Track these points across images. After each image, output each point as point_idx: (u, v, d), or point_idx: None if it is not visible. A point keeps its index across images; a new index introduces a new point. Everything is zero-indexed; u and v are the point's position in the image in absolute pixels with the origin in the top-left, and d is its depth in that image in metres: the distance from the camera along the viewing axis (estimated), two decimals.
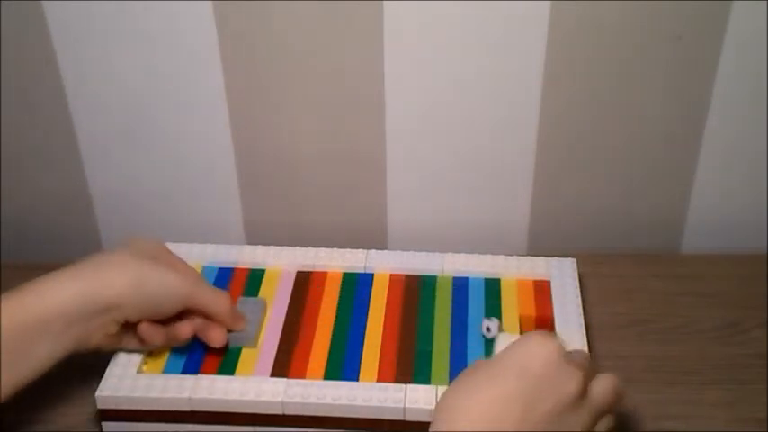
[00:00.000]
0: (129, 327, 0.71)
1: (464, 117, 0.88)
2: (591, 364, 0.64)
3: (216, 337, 0.73)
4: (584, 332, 0.74)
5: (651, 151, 0.90)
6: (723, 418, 0.75)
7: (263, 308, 0.77)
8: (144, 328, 0.70)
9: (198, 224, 0.92)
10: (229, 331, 0.74)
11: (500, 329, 0.74)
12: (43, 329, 0.65)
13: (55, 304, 0.65)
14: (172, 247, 0.83)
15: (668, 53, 0.84)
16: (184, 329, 0.72)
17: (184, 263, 0.76)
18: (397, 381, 0.71)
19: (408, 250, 0.84)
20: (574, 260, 0.82)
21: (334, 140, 0.90)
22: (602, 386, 0.63)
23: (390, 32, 0.83)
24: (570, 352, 0.63)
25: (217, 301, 0.73)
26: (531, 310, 0.77)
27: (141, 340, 0.71)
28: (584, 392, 0.61)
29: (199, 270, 0.81)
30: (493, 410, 0.59)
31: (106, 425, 0.71)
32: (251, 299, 0.78)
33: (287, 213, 0.95)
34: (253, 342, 0.74)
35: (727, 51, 0.84)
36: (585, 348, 0.72)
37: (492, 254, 0.83)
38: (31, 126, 0.90)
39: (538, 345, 0.62)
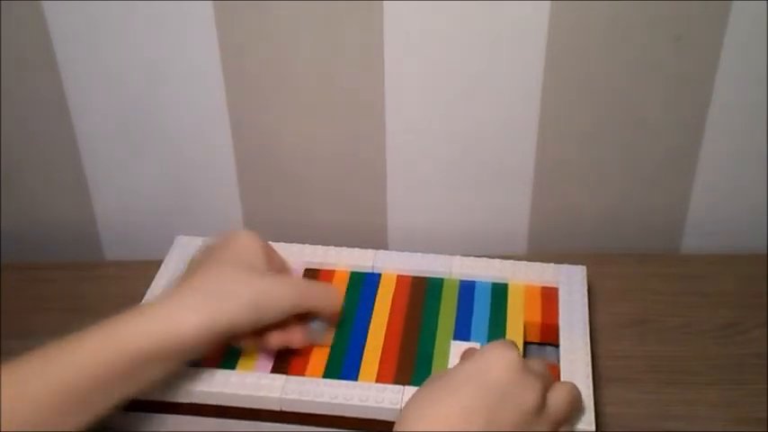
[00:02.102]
0: None
1: (464, 117, 0.88)
2: (548, 373, 0.65)
3: (297, 340, 0.72)
4: (587, 341, 0.74)
5: (651, 151, 0.90)
6: (723, 418, 0.75)
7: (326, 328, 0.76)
8: (246, 343, 0.71)
9: (198, 224, 0.92)
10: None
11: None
12: (165, 357, 0.64)
13: (184, 336, 0.64)
14: (182, 240, 0.83)
15: (668, 53, 0.84)
16: (275, 340, 0.71)
17: (281, 258, 0.77)
18: (396, 382, 0.70)
19: (409, 250, 0.84)
20: (584, 267, 0.81)
21: (334, 140, 0.90)
22: (560, 396, 0.64)
23: (390, 32, 0.83)
24: (528, 361, 0.63)
25: (326, 298, 0.73)
26: (536, 317, 0.77)
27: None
28: (543, 403, 0.61)
29: None
30: (456, 424, 0.58)
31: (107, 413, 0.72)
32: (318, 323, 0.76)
33: (287, 213, 0.95)
34: (330, 339, 0.74)
35: (727, 51, 0.84)
36: (588, 358, 0.72)
37: (492, 254, 0.83)
38: (31, 126, 0.90)
39: (498, 356, 0.62)
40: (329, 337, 0.75)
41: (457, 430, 0.58)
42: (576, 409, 0.65)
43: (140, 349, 0.63)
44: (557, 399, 0.63)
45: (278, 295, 0.70)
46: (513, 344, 0.64)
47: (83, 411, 0.62)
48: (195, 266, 0.71)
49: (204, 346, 0.66)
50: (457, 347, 0.73)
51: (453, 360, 0.73)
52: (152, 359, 0.64)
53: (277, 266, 0.75)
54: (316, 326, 0.74)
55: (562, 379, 0.70)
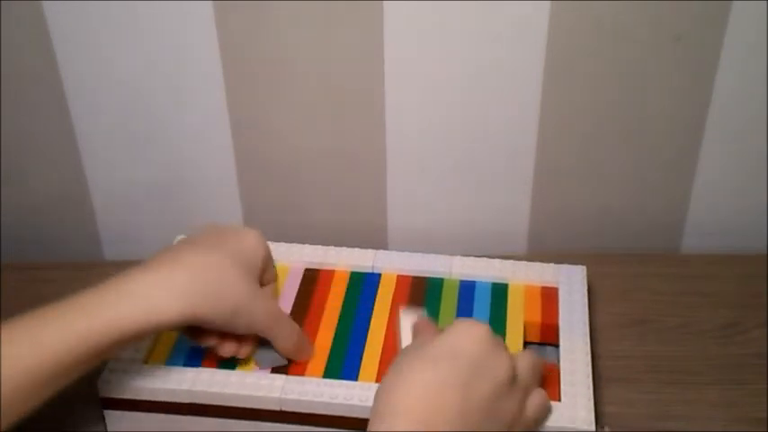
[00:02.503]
0: None
1: (464, 117, 0.88)
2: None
3: (228, 351, 0.71)
4: (587, 341, 0.74)
5: (651, 151, 0.90)
6: (723, 418, 0.75)
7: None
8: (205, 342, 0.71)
9: (198, 224, 0.91)
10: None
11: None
12: (138, 338, 0.64)
13: (158, 321, 0.64)
14: (182, 239, 0.83)
15: (668, 53, 0.84)
16: (245, 351, 0.71)
17: (274, 271, 0.76)
18: None
19: (409, 250, 0.84)
20: (584, 267, 0.81)
21: (334, 140, 0.90)
22: (525, 361, 0.65)
23: (390, 32, 0.83)
24: (496, 334, 0.64)
25: (286, 338, 0.71)
26: (536, 317, 0.77)
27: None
28: (514, 372, 0.62)
29: None
30: (430, 398, 0.59)
31: (108, 413, 0.72)
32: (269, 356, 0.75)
33: (287, 213, 0.95)
34: (283, 361, 0.73)
35: (727, 51, 0.84)
36: (588, 358, 0.72)
37: (492, 254, 0.83)
38: (31, 126, 0.90)
39: (467, 329, 0.63)
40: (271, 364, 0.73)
41: (432, 404, 0.58)
42: (539, 370, 0.67)
43: (122, 331, 0.62)
44: (523, 365, 0.64)
45: (256, 311, 0.69)
46: (479, 320, 0.65)
47: (49, 388, 0.61)
48: (193, 245, 0.69)
49: (171, 328, 0.67)
50: (405, 317, 0.73)
51: (404, 330, 0.72)
52: (129, 339, 0.63)
53: (269, 276, 0.75)
54: (264, 354, 0.73)
55: (561, 379, 0.70)
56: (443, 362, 0.61)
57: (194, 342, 0.71)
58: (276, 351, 0.72)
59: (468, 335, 0.62)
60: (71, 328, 0.61)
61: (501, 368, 0.61)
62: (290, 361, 0.73)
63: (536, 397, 0.65)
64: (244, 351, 0.71)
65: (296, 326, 0.73)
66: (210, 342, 0.70)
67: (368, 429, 0.59)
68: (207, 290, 0.66)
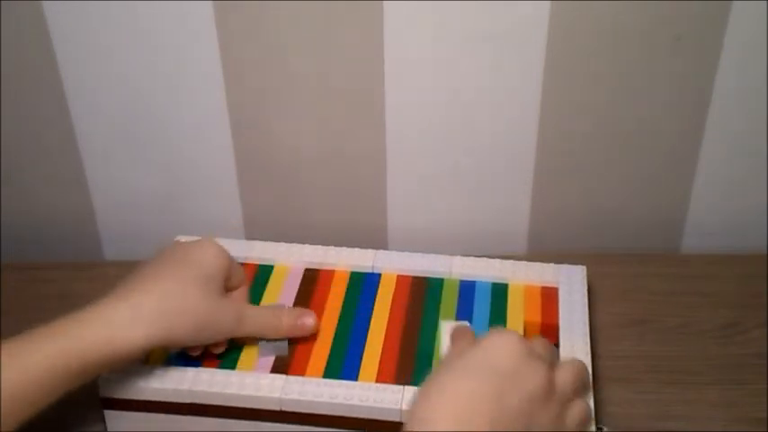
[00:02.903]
0: None
1: (464, 117, 0.88)
2: (553, 352, 0.65)
3: (216, 348, 0.74)
4: (587, 341, 0.74)
5: (651, 151, 0.90)
6: (723, 418, 0.75)
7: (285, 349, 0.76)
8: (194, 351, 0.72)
9: (198, 224, 0.92)
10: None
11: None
12: (104, 366, 0.65)
13: (124, 346, 0.65)
14: (184, 239, 0.83)
15: (668, 53, 0.84)
16: (219, 349, 0.73)
17: (243, 274, 0.77)
18: (396, 382, 0.70)
19: (409, 250, 0.84)
20: (584, 267, 0.81)
21: (334, 140, 0.90)
22: (566, 374, 0.64)
23: (390, 32, 0.83)
24: (533, 344, 0.64)
25: (272, 332, 0.73)
26: (536, 317, 0.77)
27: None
28: (551, 385, 0.62)
29: None
30: (465, 409, 0.59)
31: (108, 413, 0.72)
32: (272, 305, 0.77)
33: (287, 213, 0.95)
34: (285, 349, 0.73)
35: (728, 51, 0.84)
36: (588, 358, 0.72)
37: (492, 254, 0.83)
38: (31, 126, 0.90)
39: (502, 342, 0.62)
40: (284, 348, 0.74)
41: (465, 414, 0.58)
42: (582, 382, 0.66)
43: (85, 359, 0.64)
44: (563, 378, 0.63)
45: (225, 325, 0.71)
46: (515, 331, 0.65)
47: (19, 414, 0.62)
48: (157, 267, 0.71)
49: (141, 355, 0.68)
50: (447, 327, 0.73)
51: (444, 338, 0.73)
52: (95, 367, 0.65)
53: (236, 281, 0.76)
54: (269, 343, 0.74)
55: None
56: (478, 373, 0.61)
57: (187, 352, 0.73)
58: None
59: (504, 347, 0.62)
60: (41, 354, 0.62)
61: (535, 381, 0.61)
62: (290, 344, 0.73)
63: (576, 409, 0.64)
64: (218, 349, 0.73)
65: (278, 312, 0.74)
66: (197, 351, 0.72)
67: (402, 430, 0.59)
68: (169, 313, 0.68)
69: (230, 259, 0.74)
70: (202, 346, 0.72)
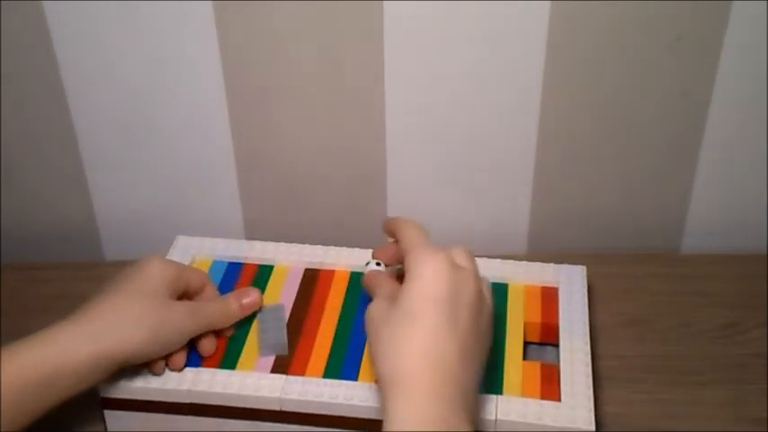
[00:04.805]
0: None
1: (464, 117, 0.88)
2: (465, 254, 0.67)
3: (207, 348, 0.73)
4: (587, 341, 0.74)
5: (651, 151, 0.90)
6: (723, 418, 0.75)
7: (283, 313, 0.77)
8: (154, 368, 0.71)
9: (198, 224, 0.92)
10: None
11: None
12: (59, 383, 0.65)
13: (72, 362, 0.65)
14: (183, 240, 0.83)
15: (668, 53, 0.84)
16: (179, 360, 0.72)
17: (192, 274, 0.76)
18: None
19: None
20: (584, 267, 0.81)
21: (334, 140, 0.90)
22: (467, 256, 0.67)
23: (390, 32, 0.83)
24: (453, 255, 0.66)
25: (225, 314, 0.74)
26: (536, 317, 0.77)
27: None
28: (481, 286, 0.66)
29: (208, 264, 0.82)
30: (427, 348, 0.60)
31: (108, 413, 0.72)
32: (270, 306, 0.77)
33: (287, 213, 0.95)
34: (285, 348, 0.74)
35: (728, 51, 0.84)
36: (588, 358, 0.72)
37: (492, 254, 0.83)
38: (31, 126, 0.90)
39: (430, 271, 0.64)
40: (287, 345, 0.74)
41: (432, 351, 0.60)
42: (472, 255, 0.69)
43: (33, 378, 0.64)
44: (471, 263, 0.67)
45: (177, 324, 0.70)
46: (430, 249, 0.66)
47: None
48: (104, 289, 0.71)
49: (97, 373, 0.67)
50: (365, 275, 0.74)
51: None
52: (46, 386, 0.64)
53: (196, 285, 0.75)
54: (269, 338, 0.74)
55: (561, 379, 0.70)
56: (424, 312, 0.62)
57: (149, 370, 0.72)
58: (274, 333, 0.74)
59: (434, 276, 0.63)
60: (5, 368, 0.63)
61: (469, 289, 0.64)
62: (290, 344, 0.74)
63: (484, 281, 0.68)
64: (205, 349, 0.73)
65: (226, 300, 0.75)
66: (158, 368, 0.71)
67: (383, 402, 0.59)
68: (115, 327, 0.67)
69: (178, 268, 0.74)
70: (161, 358, 0.71)
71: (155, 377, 0.71)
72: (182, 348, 0.72)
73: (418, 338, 0.61)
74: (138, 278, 0.71)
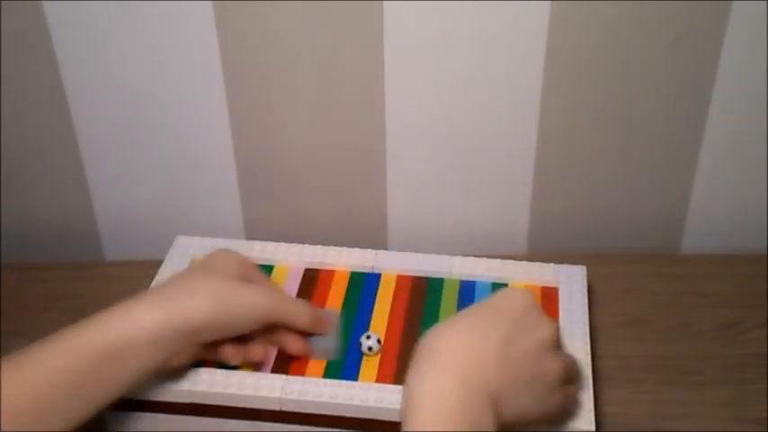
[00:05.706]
0: (207, 344, 0.70)
1: (464, 117, 0.88)
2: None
3: (296, 348, 0.73)
4: (587, 341, 0.74)
5: (651, 151, 0.90)
6: (723, 418, 0.75)
7: (337, 320, 0.76)
8: (225, 351, 0.70)
9: (198, 224, 0.92)
10: (310, 335, 0.74)
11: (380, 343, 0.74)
12: (129, 355, 0.65)
13: (141, 331, 0.65)
14: (183, 240, 0.83)
15: (668, 53, 0.84)
16: (257, 351, 0.71)
17: (265, 276, 0.77)
18: (396, 382, 0.70)
19: (409, 250, 0.84)
20: (584, 267, 0.81)
21: (335, 140, 0.90)
22: (570, 356, 0.67)
23: (390, 32, 0.83)
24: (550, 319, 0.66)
25: (298, 314, 0.73)
26: None
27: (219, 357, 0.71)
28: (557, 343, 0.64)
29: None
30: (474, 338, 0.61)
31: (108, 413, 0.72)
32: (327, 311, 0.77)
33: (287, 213, 0.95)
34: (334, 354, 0.73)
35: (727, 51, 0.84)
36: (588, 358, 0.72)
37: (492, 254, 0.83)
38: (31, 126, 0.90)
39: (514, 294, 0.65)
40: (337, 351, 0.74)
41: (472, 351, 0.60)
42: (579, 375, 0.68)
43: (100, 349, 0.63)
44: (568, 355, 0.66)
45: (249, 304, 0.70)
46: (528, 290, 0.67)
47: (62, 415, 0.62)
48: (178, 272, 0.73)
49: (166, 344, 0.66)
50: None
51: None
52: (113, 358, 0.64)
53: (256, 280, 0.75)
54: (321, 342, 0.74)
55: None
56: (487, 314, 0.63)
57: (213, 358, 0.71)
58: (327, 338, 0.74)
59: (515, 298, 0.65)
60: (53, 353, 0.63)
61: (543, 329, 0.63)
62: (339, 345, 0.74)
63: (572, 389, 0.67)
64: (258, 354, 0.72)
65: (303, 302, 0.75)
66: (226, 351, 0.71)
67: (412, 365, 0.61)
68: (178, 296, 0.68)
69: (243, 258, 0.75)
70: (235, 342, 0.70)
71: (154, 377, 0.71)
72: (261, 341, 0.71)
73: (466, 329, 0.62)
74: (204, 261, 0.74)
